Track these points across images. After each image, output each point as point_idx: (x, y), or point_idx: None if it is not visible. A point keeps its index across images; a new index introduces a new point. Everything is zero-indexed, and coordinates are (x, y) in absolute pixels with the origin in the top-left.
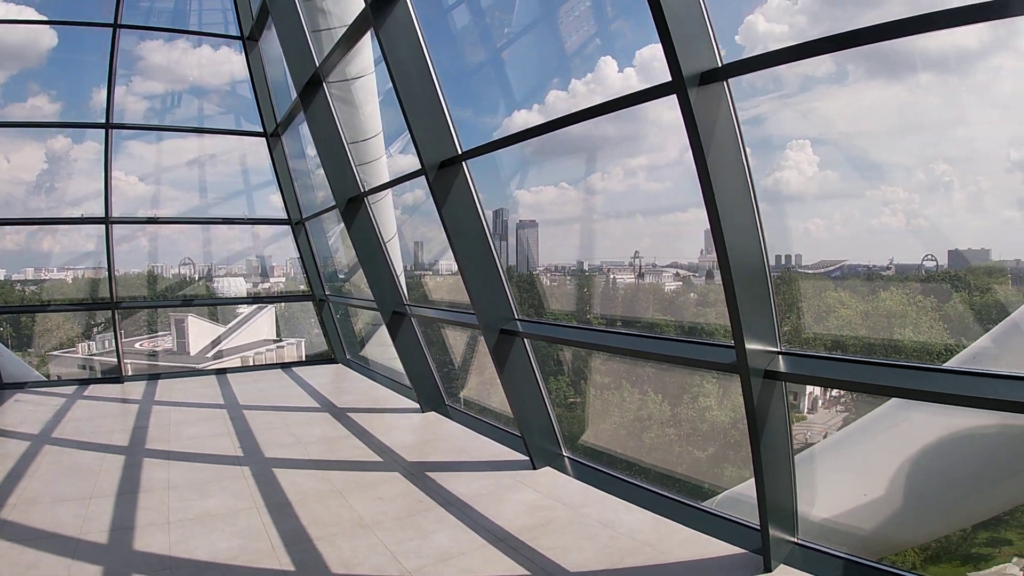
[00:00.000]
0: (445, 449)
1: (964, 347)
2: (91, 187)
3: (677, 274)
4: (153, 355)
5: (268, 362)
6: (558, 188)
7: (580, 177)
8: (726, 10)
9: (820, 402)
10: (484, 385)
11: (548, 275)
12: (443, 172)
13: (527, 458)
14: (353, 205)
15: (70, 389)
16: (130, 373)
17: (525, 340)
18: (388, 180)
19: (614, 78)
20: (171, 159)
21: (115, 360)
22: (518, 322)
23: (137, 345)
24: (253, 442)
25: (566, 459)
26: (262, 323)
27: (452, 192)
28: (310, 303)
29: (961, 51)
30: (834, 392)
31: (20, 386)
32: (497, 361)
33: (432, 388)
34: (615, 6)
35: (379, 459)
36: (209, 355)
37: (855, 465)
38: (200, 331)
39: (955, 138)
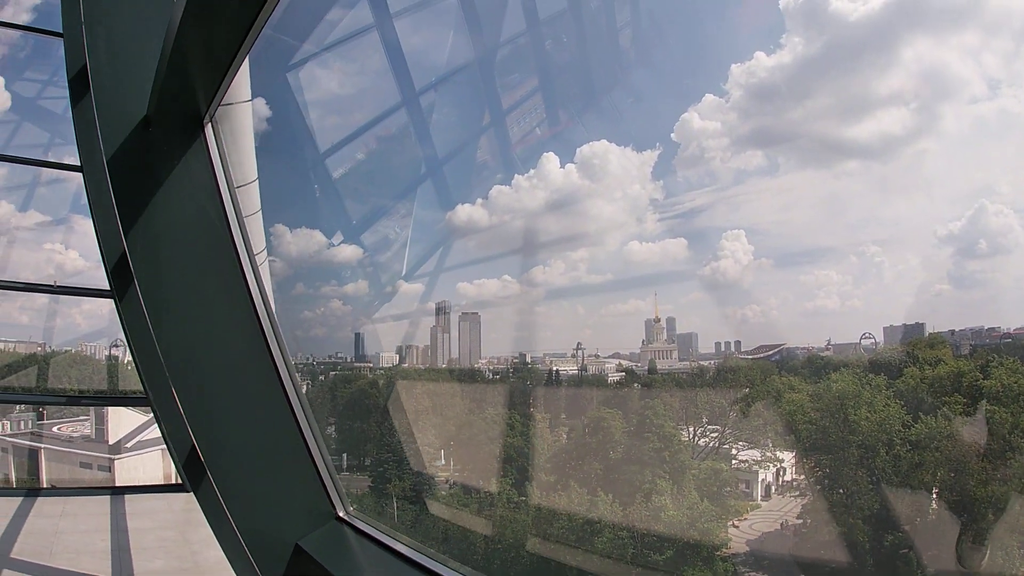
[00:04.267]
0: None
1: (923, 421)
2: None
3: (619, 364)
4: (70, 441)
5: (118, 476)
6: (500, 281)
7: (522, 270)
8: (661, 109)
9: (773, 488)
10: None
11: (491, 366)
12: None
13: None
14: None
15: None
16: None
17: None
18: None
19: (556, 173)
20: None
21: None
22: None
23: (55, 429)
24: None
25: None
26: None
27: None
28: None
29: (887, 137)
30: (787, 477)
31: None
32: None
33: None
34: (562, 107)
35: None
36: (129, 444)
37: None
38: (121, 419)
39: (882, 219)
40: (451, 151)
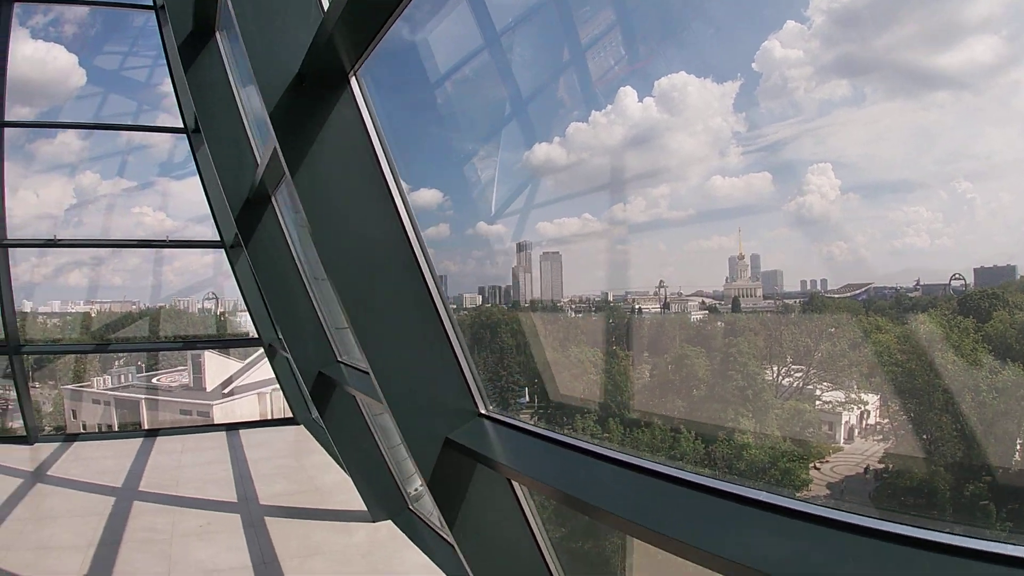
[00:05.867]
0: None
1: (1009, 367)
2: None
3: (703, 303)
4: (169, 390)
5: (218, 421)
6: (580, 219)
7: (602, 208)
8: (741, 38)
9: (856, 431)
10: None
11: (573, 306)
12: None
13: None
14: (252, 212)
15: None
16: (47, 431)
17: None
18: None
19: (634, 108)
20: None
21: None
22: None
23: (155, 380)
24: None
25: None
26: None
27: None
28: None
29: (978, 67)
30: (871, 420)
31: None
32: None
33: (388, 486)
34: (637, 36)
35: None
36: (225, 391)
37: None
38: (217, 367)
39: (974, 154)
40: (528, 91)
